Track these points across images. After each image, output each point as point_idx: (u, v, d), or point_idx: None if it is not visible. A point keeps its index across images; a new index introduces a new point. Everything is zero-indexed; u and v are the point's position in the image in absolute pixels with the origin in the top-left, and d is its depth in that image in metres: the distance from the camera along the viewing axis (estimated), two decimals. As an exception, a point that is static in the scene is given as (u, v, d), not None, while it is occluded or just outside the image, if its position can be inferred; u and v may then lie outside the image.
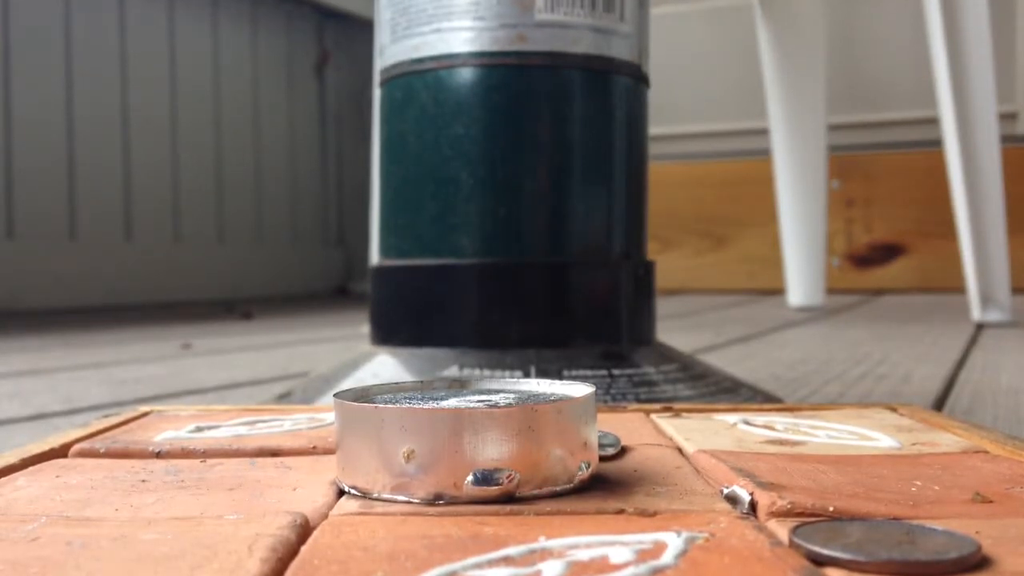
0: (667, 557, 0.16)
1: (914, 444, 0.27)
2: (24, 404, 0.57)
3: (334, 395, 0.22)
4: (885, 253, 1.92)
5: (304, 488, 0.22)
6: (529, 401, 0.22)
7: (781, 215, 1.43)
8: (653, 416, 0.32)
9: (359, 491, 0.21)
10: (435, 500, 0.20)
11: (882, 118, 1.91)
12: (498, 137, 0.42)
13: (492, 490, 0.20)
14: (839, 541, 0.16)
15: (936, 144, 1.11)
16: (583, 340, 0.43)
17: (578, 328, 0.43)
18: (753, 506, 0.20)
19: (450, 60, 0.43)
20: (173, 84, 1.87)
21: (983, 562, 0.16)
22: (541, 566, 0.16)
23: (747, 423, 0.30)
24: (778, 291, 1.53)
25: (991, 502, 0.20)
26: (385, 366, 0.44)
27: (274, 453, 0.26)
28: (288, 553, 0.17)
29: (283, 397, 0.47)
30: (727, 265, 2.04)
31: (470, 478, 0.20)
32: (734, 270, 2.03)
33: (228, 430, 0.29)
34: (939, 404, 0.52)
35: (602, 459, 0.24)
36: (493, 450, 0.20)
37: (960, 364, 0.71)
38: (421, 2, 0.43)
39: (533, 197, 0.43)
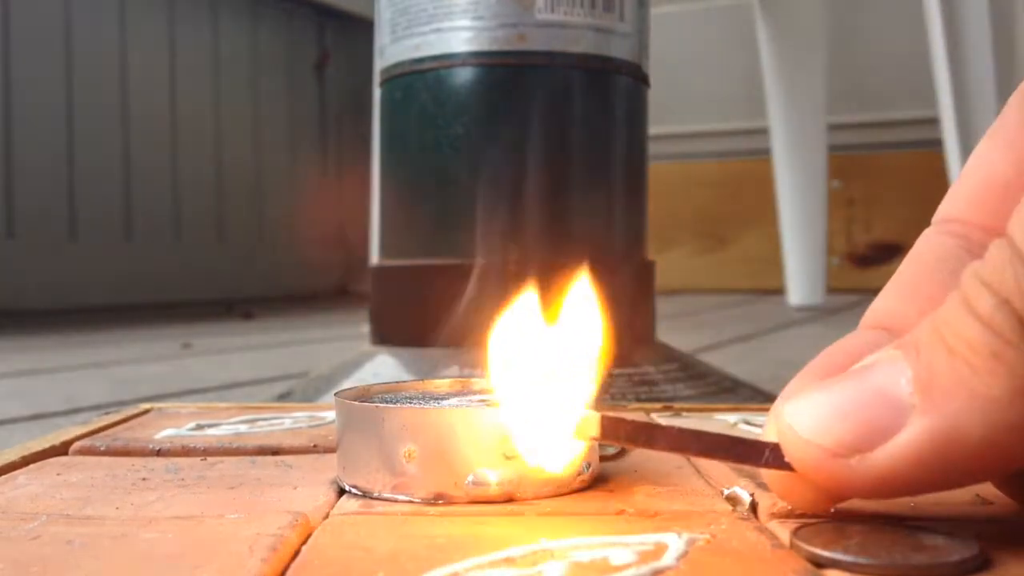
0: (668, 558, 0.16)
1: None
2: (25, 404, 0.57)
3: (335, 394, 0.22)
4: (885, 253, 1.92)
5: (305, 487, 0.22)
6: (530, 401, 0.22)
7: (781, 215, 1.43)
8: (653, 415, 0.32)
9: (360, 490, 0.21)
10: (436, 500, 0.20)
11: (882, 118, 1.91)
12: (498, 137, 0.42)
13: (493, 490, 0.20)
14: (840, 543, 0.16)
15: (936, 144, 1.11)
16: (583, 340, 0.43)
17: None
18: (754, 507, 0.20)
19: (450, 60, 0.43)
20: (173, 84, 1.87)
21: (984, 564, 0.16)
22: (542, 567, 0.16)
23: (747, 423, 0.30)
24: (778, 291, 1.53)
25: (992, 504, 0.20)
26: (385, 366, 0.44)
27: (275, 451, 0.26)
28: (289, 553, 0.17)
29: (283, 397, 0.47)
30: (727, 265, 2.03)
31: (470, 478, 0.20)
32: (734, 270, 2.03)
33: (229, 428, 0.29)
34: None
35: (602, 459, 0.24)
36: (494, 450, 0.20)
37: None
38: (421, 2, 0.43)
39: (533, 197, 0.43)
